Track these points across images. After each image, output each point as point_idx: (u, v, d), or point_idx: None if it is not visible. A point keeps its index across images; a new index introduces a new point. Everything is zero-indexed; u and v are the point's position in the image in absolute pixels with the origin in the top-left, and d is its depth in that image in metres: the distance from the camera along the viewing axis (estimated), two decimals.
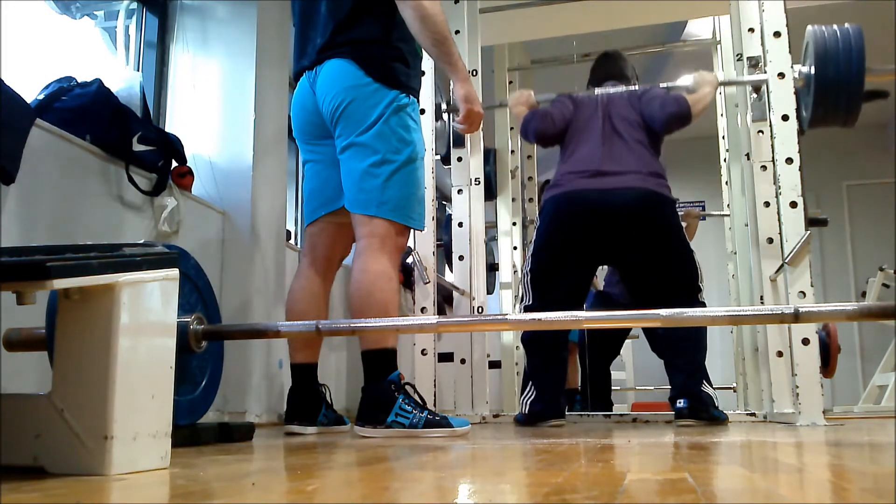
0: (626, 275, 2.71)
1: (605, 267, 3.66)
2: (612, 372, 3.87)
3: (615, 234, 2.47)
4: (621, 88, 2.69)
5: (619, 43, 4.53)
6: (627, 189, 2.45)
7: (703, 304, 2.59)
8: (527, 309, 2.58)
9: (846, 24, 2.29)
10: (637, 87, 2.70)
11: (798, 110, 2.37)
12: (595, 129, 2.58)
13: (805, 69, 2.35)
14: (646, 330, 3.04)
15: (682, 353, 2.51)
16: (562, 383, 2.66)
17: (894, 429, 2.14)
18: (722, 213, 4.06)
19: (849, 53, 2.24)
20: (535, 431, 2.14)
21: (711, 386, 2.50)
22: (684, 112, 2.51)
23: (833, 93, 2.27)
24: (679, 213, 2.64)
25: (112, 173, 2.14)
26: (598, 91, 2.70)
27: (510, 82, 4.26)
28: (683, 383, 2.47)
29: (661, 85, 2.70)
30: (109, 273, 0.98)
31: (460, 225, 3.02)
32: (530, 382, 2.57)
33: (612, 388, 3.91)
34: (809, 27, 2.34)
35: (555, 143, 2.72)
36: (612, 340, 3.75)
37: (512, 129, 4.09)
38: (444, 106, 3.03)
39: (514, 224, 4.05)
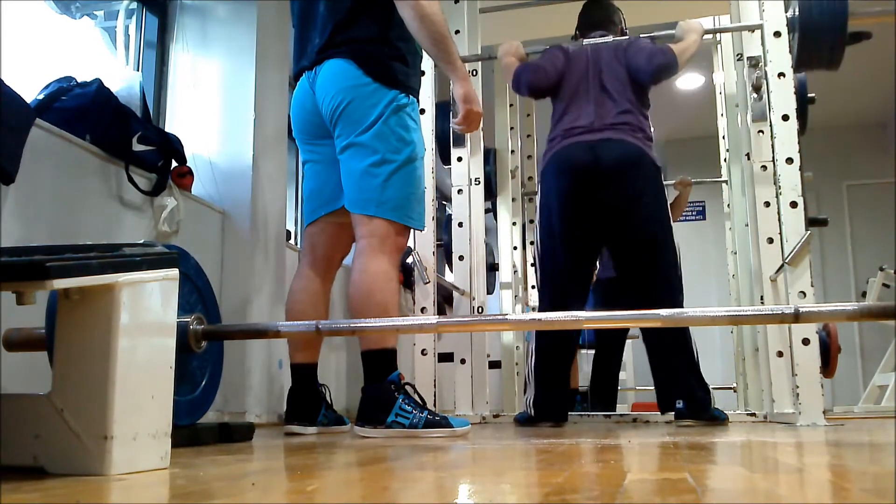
0: (613, 247, 2.69)
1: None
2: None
3: (605, 182, 2.49)
4: (609, 38, 2.71)
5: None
6: (618, 141, 2.49)
7: (679, 280, 2.61)
8: (540, 290, 2.64)
9: None
10: (624, 38, 2.72)
11: (791, 51, 2.42)
12: (585, 87, 2.60)
13: (789, 14, 2.39)
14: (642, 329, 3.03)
15: (670, 353, 2.50)
16: (566, 386, 2.66)
17: (894, 429, 2.14)
18: (717, 179, 4.08)
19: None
20: (536, 432, 2.14)
21: (705, 382, 2.50)
22: (671, 62, 2.53)
23: (816, 35, 2.31)
24: (669, 183, 2.66)
25: (112, 173, 2.14)
26: (585, 42, 2.71)
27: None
28: (678, 383, 2.47)
29: (646, 36, 2.71)
30: (109, 273, 0.98)
31: (460, 225, 3.02)
32: (533, 382, 2.57)
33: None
34: None
35: (547, 96, 2.73)
36: (616, 339, 3.74)
37: (512, 128, 4.08)
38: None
39: (514, 224, 4.05)
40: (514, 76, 2.73)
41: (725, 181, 3.96)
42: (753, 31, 2.75)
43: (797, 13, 2.33)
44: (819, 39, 2.32)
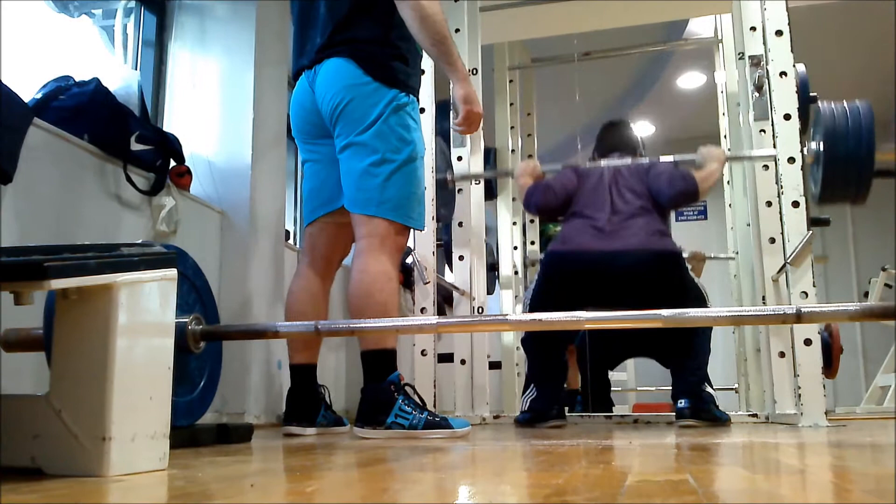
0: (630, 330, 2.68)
1: None
2: (613, 372, 3.85)
3: (618, 295, 2.42)
4: (628, 160, 2.67)
5: (621, 41, 4.55)
6: (631, 252, 2.40)
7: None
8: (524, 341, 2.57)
9: (856, 101, 2.28)
10: (644, 160, 2.67)
11: (806, 184, 2.36)
12: (601, 194, 2.55)
13: (814, 146, 2.33)
14: (650, 348, 2.99)
15: (686, 354, 2.50)
16: (561, 384, 2.65)
17: None
18: (728, 256, 3.96)
19: (858, 132, 2.22)
20: (536, 432, 2.13)
21: (712, 387, 2.50)
22: (692, 189, 2.48)
23: (842, 173, 2.25)
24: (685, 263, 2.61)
25: (110, 173, 2.14)
26: (603, 163, 2.68)
27: (510, 81, 4.25)
28: (685, 382, 2.47)
29: (668, 158, 2.66)
30: (107, 273, 0.98)
31: (460, 225, 3.01)
32: (532, 383, 2.57)
33: (614, 388, 3.90)
34: (819, 103, 2.32)
35: (557, 216, 2.70)
36: (612, 351, 3.72)
37: (512, 128, 4.08)
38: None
39: (514, 224, 4.05)
40: (525, 196, 2.71)
41: (727, 181, 3.95)
42: (755, 30, 2.75)
43: (822, 147, 2.27)
44: (845, 177, 2.26)
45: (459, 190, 3.05)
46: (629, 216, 2.47)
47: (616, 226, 2.46)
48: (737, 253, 3.69)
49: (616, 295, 2.41)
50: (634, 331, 2.58)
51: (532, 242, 4.22)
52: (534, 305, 2.59)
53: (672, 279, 2.46)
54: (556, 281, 2.52)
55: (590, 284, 2.44)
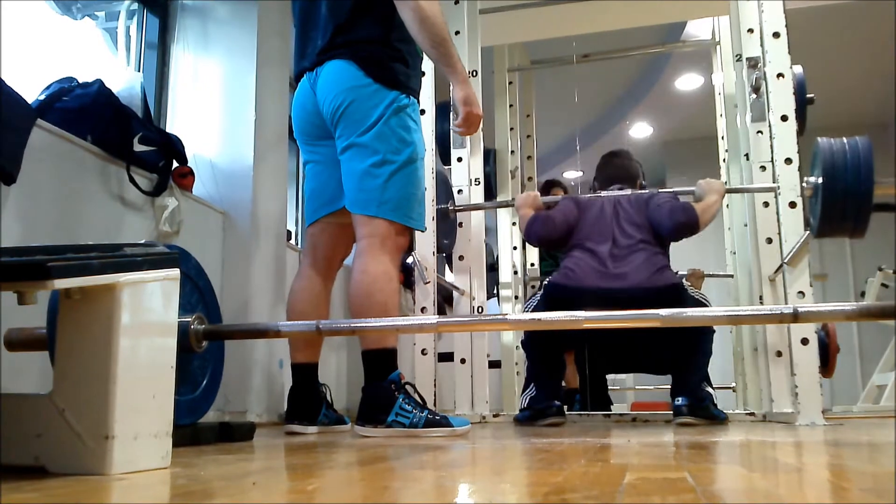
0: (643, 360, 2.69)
1: None
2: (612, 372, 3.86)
3: (621, 333, 2.42)
4: (628, 192, 2.68)
5: (619, 43, 4.56)
6: (633, 289, 2.39)
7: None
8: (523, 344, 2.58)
9: (856, 138, 2.30)
10: (644, 192, 2.68)
11: (806, 216, 2.37)
12: (603, 227, 2.56)
13: (814, 180, 2.36)
14: (650, 361, 2.99)
15: (687, 352, 2.51)
16: (560, 382, 2.66)
17: (894, 428, 2.15)
18: (725, 274, 3.95)
19: (857, 168, 2.24)
20: (535, 431, 2.14)
21: (711, 386, 2.51)
22: (692, 221, 2.49)
23: (841, 207, 2.27)
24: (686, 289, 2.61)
25: (113, 173, 2.15)
26: (604, 194, 2.68)
27: (510, 83, 4.26)
28: (684, 381, 2.48)
29: (667, 190, 2.67)
30: (110, 273, 0.98)
31: (460, 225, 3.02)
32: (531, 382, 2.58)
33: (612, 387, 3.91)
34: (818, 139, 2.34)
35: (558, 247, 2.71)
36: (612, 360, 3.73)
37: (512, 129, 4.09)
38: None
39: (514, 224, 4.06)
40: (525, 226, 2.71)
41: (725, 181, 3.96)
42: (752, 33, 2.75)
43: (820, 181, 2.30)
44: (844, 211, 2.28)
45: (459, 190, 3.06)
46: (631, 251, 2.47)
47: (618, 262, 2.46)
48: (732, 276, 3.70)
49: (619, 332, 2.42)
50: (637, 346, 2.58)
51: (532, 265, 4.23)
52: (534, 332, 2.58)
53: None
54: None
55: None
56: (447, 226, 2.99)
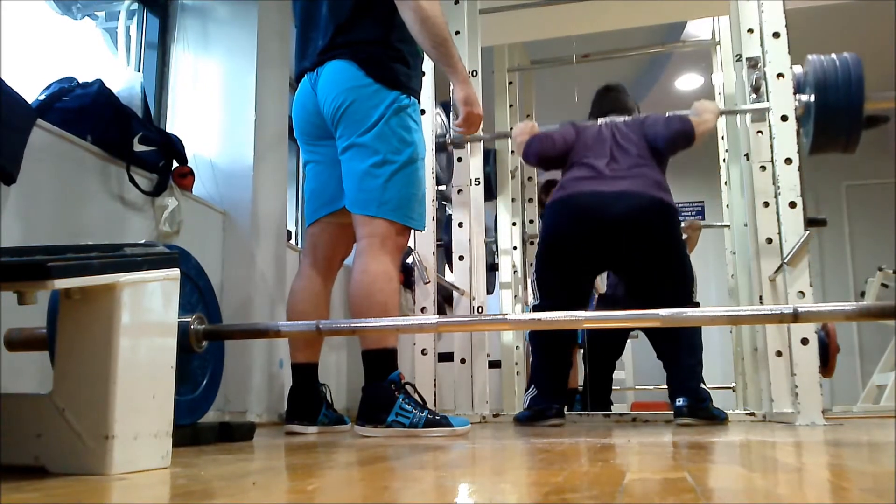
0: (625, 277, 2.73)
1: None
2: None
3: (616, 239, 2.47)
4: (624, 118, 2.71)
5: (619, 43, 4.55)
6: (630, 194, 2.44)
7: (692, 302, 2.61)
8: (535, 308, 2.62)
9: (845, 54, 2.31)
10: (640, 115, 2.72)
11: (798, 137, 2.39)
12: (600, 145, 2.59)
13: (805, 97, 2.37)
14: (647, 332, 3.04)
15: (680, 352, 2.52)
16: (564, 383, 2.66)
17: (894, 428, 2.15)
18: (722, 223, 4.05)
19: (848, 81, 2.27)
20: (535, 431, 2.14)
21: (705, 385, 2.51)
22: (688, 130, 2.53)
23: (833, 120, 2.29)
24: (681, 224, 2.65)
25: (113, 173, 2.15)
26: (600, 121, 2.71)
27: (510, 83, 4.26)
28: (682, 381, 2.48)
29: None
30: (110, 273, 0.98)
31: (460, 225, 3.02)
32: (535, 380, 2.59)
33: (612, 388, 3.91)
34: (809, 56, 2.36)
35: (556, 166, 2.73)
36: (613, 341, 3.74)
37: (512, 129, 4.08)
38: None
39: (514, 224, 4.06)
40: (524, 148, 2.74)
41: (725, 181, 3.96)
42: (752, 32, 2.75)
43: (813, 98, 2.32)
44: (836, 125, 2.30)
45: (459, 190, 3.06)
46: (629, 166, 2.51)
47: (616, 172, 2.50)
48: (728, 226, 3.76)
49: (614, 237, 2.46)
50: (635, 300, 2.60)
51: (531, 242, 4.23)
52: (540, 253, 2.62)
53: (667, 229, 2.50)
54: (559, 227, 2.55)
55: (590, 226, 2.48)
56: (444, 158, 3.01)
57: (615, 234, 2.46)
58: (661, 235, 2.48)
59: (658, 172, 2.54)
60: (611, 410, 3.54)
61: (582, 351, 3.73)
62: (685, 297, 2.53)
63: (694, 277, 2.64)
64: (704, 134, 2.57)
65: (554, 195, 2.61)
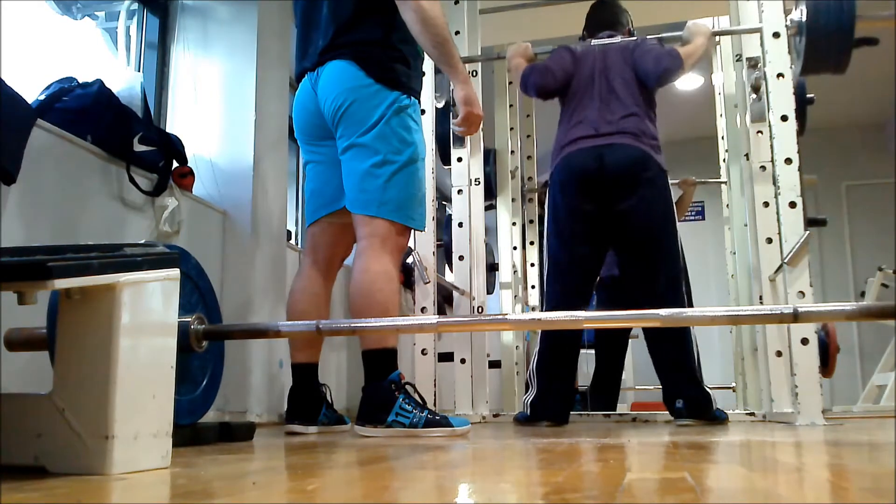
0: (617, 249, 2.71)
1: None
2: None
3: (610, 187, 2.51)
4: (616, 39, 2.74)
5: None
6: (621, 146, 2.51)
7: (684, 280, 2.63)
8: (547, 294, 2.66)
9: None
10: (631, 39, 2.74)
11: (790, 58, 2.43)
12: (591, 89, 2.63)
13: (797, 17, 2.40)
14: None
15: (672, 352, 2.51)
16: (570, 385, 2.65)
17: (894, 428, 2.15)
18: (719, 180, 4.06)
19: (839, 2, 2.30)
20: (535, 431, 2.14)
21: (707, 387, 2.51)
22: (677, 66, 2.57)
23: (824, 39, 2.33)
24: (673, 183, 2.68)
25: (113, 173, 2.15)
26: (593, 42, 2.74)
27: (510, 83, 4.25)
28: (680, 383, 2.48)
29: (654, 37, 2.73)
30: (110, 273, 0.98)
31: (460, 225, 3.02)
32: (535, 382, 2.58)
33: None
34: None
35: (554, 97, 2.75)
36: (618, 337, 3.73)
37: (512, 129, 4.08)
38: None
39: (514, 224, 4.06)
40: (521, 77, 2.76)
41: (725, 182, 3.96)
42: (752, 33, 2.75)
43: (804, 17, 2.35)
44: (826, 43, 2.33)
45: (459, 191, 3.06)
46: (622, 116, 2.56)
47: (608, 126, 2.55)
48: (726, 182, 3.77)
49: (608, 186, 2.51)
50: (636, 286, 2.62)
51: (531, 242, 4.23)
52: (552, 233, 2.65)
53: (655, 185, 2.53)
54: (562, 188, 2.59)
55: (587, 179, 2.53)
56: (440, 113, 3.01)
57: (612, 182, 2.51)
58: (649, 186, 2.51)
59: (649, 122, 2.60)
60: (615, 411, 3.54)
61: (583, 351, 3.72)
62: (674, 266, 2.56)
63: (681, 247, 2.67)
64: (695, 63, 2.62)
65: (554, 158, 2.64)
